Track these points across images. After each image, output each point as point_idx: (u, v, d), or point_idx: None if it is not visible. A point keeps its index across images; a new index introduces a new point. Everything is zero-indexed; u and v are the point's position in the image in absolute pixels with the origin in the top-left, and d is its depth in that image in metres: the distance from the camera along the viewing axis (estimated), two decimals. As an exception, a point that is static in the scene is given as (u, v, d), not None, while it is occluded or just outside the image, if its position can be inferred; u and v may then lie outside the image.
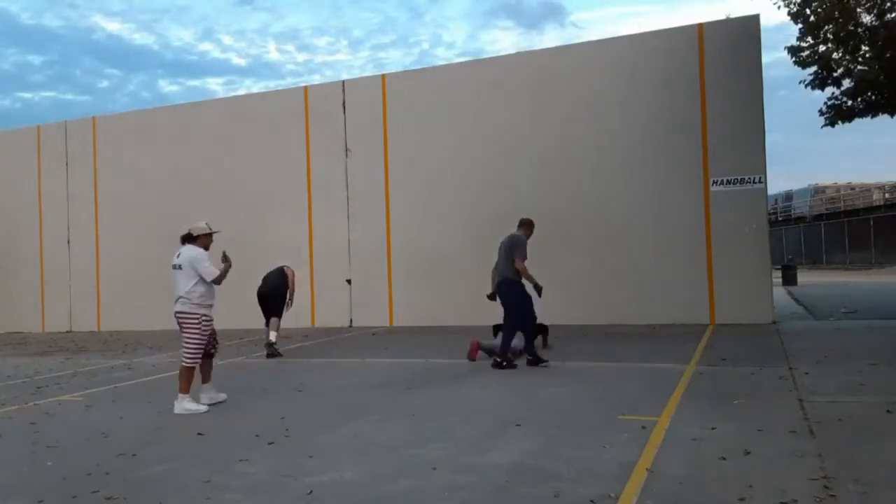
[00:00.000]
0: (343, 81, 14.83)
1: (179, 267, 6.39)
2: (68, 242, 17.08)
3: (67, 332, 16.68)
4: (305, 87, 15.22)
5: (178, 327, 6.47)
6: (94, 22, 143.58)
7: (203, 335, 6.40)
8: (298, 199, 14.86)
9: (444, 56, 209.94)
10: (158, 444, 5.20)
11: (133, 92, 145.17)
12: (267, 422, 5.75)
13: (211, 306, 6.50)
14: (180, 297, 6.37)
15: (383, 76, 14.56)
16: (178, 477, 4.34)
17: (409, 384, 7.30)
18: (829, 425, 4.90)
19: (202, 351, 6.44)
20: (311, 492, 3.94)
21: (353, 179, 14.56)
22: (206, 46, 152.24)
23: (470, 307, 13.09)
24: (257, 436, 5.26)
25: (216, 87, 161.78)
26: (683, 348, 8.98)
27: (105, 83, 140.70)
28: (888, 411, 5.21)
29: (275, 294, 10.28)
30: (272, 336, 10.03)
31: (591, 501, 3.60)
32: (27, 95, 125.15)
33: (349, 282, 14.51)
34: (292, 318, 10.07)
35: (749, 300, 11.70)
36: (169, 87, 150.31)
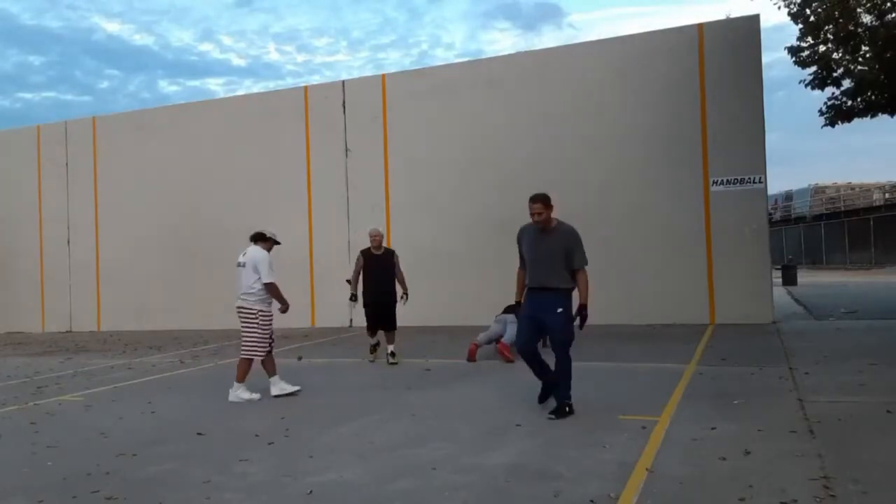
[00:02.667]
0: (343, 81, 14.83)
1: (244, 265, 6.85)
2: (68, 242, 17.08)
3: (67, 332, 16.68)
4: (305, 87, 15.23)
5: (238, 321, 6.92)
6: (94, 23, 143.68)
7: (263, 330, 6.81)
8: (298, 200, 14.86)
9: (443, 57, 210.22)
10: (158, 444, 5.20)
11: (133, 92, 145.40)
12: (267, 422, 5.75)
13: (271, 303, 6.88)
14: (242, 293, 6.79)
15: (383, 76, 14.56)
16: (178, 477, 4.34)
17: (408, 384, 7.30)
18: (829, 425, 4.90)
19: (265, 345, 6.83)
20: (311, 492, 3.94)
21: (353, 179, 14.56)
22: (206, 47, 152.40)
23: (470, 307, 13.10)
24: (257, 436, 5.26)
25: (216, 87, 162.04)
26: (683, 348, 8.99)
27: (105, 84, 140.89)
28: (888, 411, 5.21)
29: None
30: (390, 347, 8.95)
31: (591, 501, 3.60)
32: (27, 96, 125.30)
33: (349, 282, 14.48)
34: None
35: (749, 300, 11.70)
36: (169, 88, 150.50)
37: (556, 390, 5.59)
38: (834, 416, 5.12)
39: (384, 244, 9.03)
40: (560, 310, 5.46)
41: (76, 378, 8.87)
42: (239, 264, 6.95)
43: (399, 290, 8.95)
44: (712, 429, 4.89)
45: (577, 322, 5.47)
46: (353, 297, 9.04)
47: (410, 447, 4.80)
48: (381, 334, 9.11)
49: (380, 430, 5.34)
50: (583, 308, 5.52)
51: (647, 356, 8.50)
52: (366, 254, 8.89)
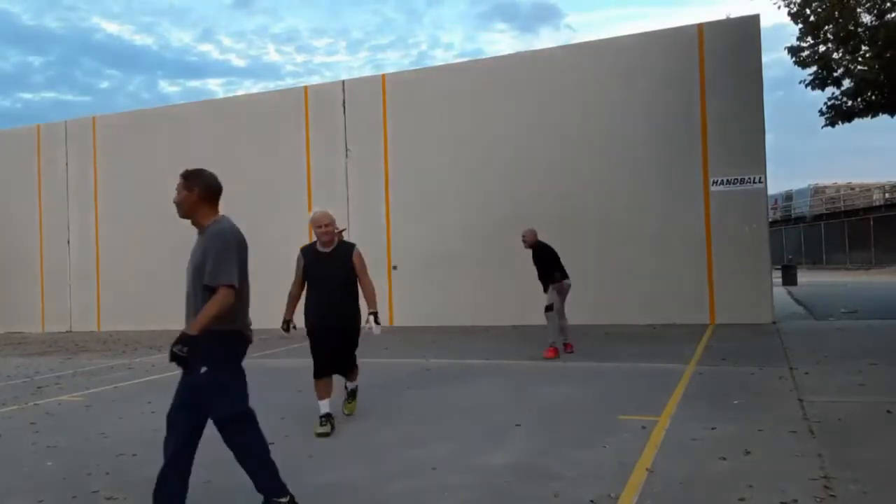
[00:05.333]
0: (343, 81, 14.83)
1: None
2: (68, 242, 17.07)
3: (67, 332, 16.67)
4: (305, 87, 15.23)
5: None
6: (94, 23, 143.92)
7: None
8: (298, 199, 14.86)
9: (442, 57, 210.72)
10: (158, 444, 5.17)
11: (133, 93, 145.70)
12: (267, 422, 5.72)
13: None
14: None
15: (383, 76, 14.56)
16: (178, 477, 4.33)
17: (409, 384, 7.31)
18: (829, 425, 4.90)
19: None
20: (311, 492, 3.94)
21: (353, 179, 14.56)
22: (205, 47, 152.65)
23: (470, 307, 13.11)
24: (257, 436, 5.25)
25: (216, 87, 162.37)
26: (683, 348, 8.99)
27: (105, 84, 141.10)
28: (888, 411, 5.21)
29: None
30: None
31: (591, 501, 3.60)
32: (27, 96, 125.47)
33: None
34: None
35: (749, 300, 11.71)
36: (169, 88, 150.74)
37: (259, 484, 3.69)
38: (834, 416, 5.12)
39: (339, 236, 5.69)
40: (204, 369, 3.45)
41: (76, 378, 8.87)
42: None
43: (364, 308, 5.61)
44: (712, 429, 4.89)
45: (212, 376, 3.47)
46: (287, 325, 5.65)
47: (410, 447, 4.80)
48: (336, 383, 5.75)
49: (380, 430, 5.34)
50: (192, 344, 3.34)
51: (647, 356, 8.49)
52: (309, 253, 5.65)
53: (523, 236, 9.01)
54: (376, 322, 5.48)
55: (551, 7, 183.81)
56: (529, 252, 8.95)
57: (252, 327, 3.74)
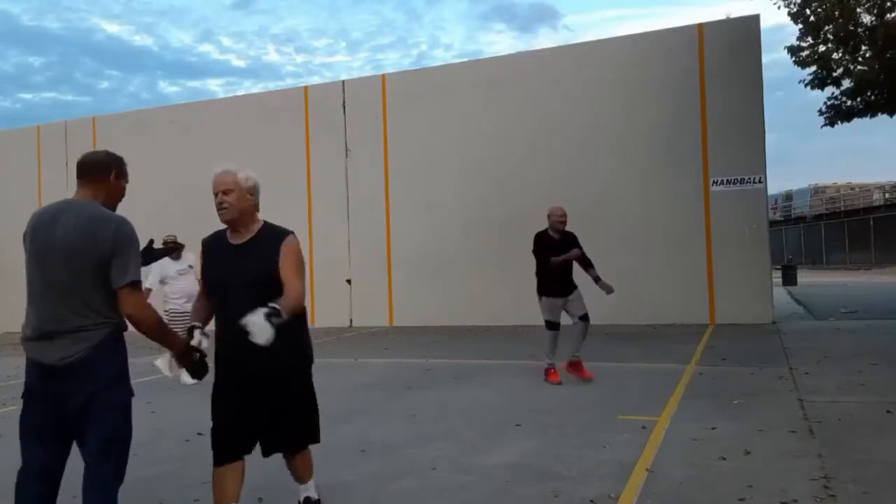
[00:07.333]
0: (343, 81, 14.83)
1: (191, 267, 8.06)
2: (68, 242, 17.07)
3: (67, 332, 16.67)
4: (305, 87, 15.23)
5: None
6: (94, 24, 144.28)
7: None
8: (298, 200, 14.86)
9: (441, 57, 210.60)
10: (158, 444, 5.19)
11: (133, 93, 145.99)
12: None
13: (183, 301, 8.26)
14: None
15: (383, 76, 14.57)
16: (178, 477, 4.34)
17: (409, 384, 7.30)
18: (829, 425, 4.90)
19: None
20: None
21: (353, 179, 14.56)
22: (205, 48, 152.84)
23: (470, 307, 13.11)
24: (257, 436, 5.25)
25: (216, 87, 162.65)
26: (683, 348, 8.99)
27: (105, 84, 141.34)
28: (888, 411, 5.21)
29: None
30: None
31: (591, 501, 3.60)
32: (28, 96, 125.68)
33: (349, 282, 14.51)
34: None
35: (749, 300, 11.70)
36: (169, 88, 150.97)
37: None
38: (834, 416, 5.12)
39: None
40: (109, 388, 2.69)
41: (76, 378, 8.86)
42: (190, 268, 8.17)
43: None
44: (712, 429, 4.89)
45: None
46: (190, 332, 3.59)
47: (410, 447, 4.80)
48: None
49: (380, 430, 5.34)
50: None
51: (647, 356, 8.50)
52: (211, 245, 3.58)
53: (560, 215, 6.91)
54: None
55: (549, 8, 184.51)
56: (528, 250, 7.21)
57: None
